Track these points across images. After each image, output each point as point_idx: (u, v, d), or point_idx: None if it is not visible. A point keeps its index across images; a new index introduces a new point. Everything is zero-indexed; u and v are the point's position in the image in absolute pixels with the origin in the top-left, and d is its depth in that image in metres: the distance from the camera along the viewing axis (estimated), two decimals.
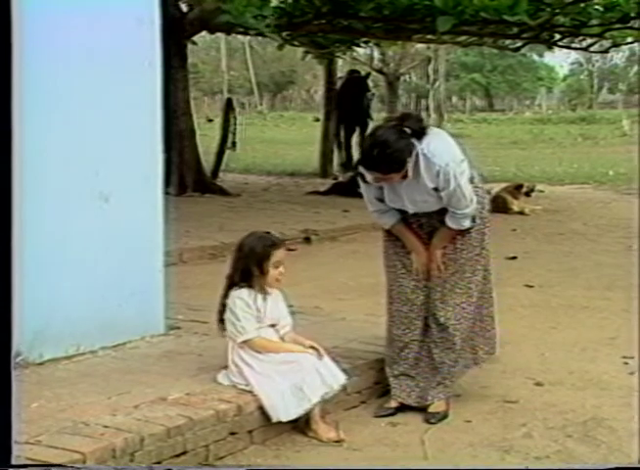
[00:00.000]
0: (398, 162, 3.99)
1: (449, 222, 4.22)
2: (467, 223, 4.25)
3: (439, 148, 4.08)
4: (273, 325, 4.00)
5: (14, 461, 3.00)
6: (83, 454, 3.18)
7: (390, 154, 3.95)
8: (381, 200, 4.27)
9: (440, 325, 4.27)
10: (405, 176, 4.06)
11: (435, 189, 4.10)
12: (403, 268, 4.34)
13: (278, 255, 3.97)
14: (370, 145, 4.01)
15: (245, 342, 3.91)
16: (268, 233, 4.13)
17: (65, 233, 4.30)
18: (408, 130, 4.02)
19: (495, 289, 7.04)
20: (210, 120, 15.92)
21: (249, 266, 3.93)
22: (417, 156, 4.04)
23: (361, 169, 4.13)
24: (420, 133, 4.05)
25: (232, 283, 3.98)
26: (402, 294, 4.32)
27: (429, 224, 4.31)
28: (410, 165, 4.03)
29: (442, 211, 4.22)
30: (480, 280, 4.39)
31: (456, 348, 4.30)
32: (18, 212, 3.12)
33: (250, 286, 3.93)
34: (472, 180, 4.24)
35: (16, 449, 3.02)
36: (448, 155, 4.10)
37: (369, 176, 4.12)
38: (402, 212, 4.30)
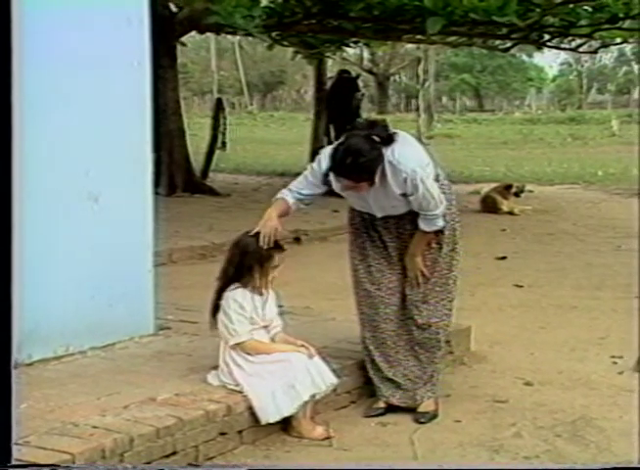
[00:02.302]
0: (370, 171, 4.00)
1: (423, 226, 4.21)
2: (440, 223, 4.22)
3: (405, 154, 4.07)
4: (265, 326, 4.00)
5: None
6: (72, 455, 3.17)
7: (363, 163, 3.96)
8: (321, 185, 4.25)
9: (420, 326, 4.27)
10: (372, 184, 4.06)
11: (404, 195, 4.10)
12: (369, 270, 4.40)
13: (279, 257, 3.98)
14: (343, 153, 3.99)
15: (236, 344, 3.91)
16: None
17: (54, 233, 4.29)
18: (377, 139, 4.03)
19: (485, 289, 7.10)
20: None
21: (250, 265, 3.91)
22: (383, 163, 4.04)
23: (330, 176, 4.13)
24: (387, 140, 4.05)
25: (227, 279, 3.96)
26: (374, 297, 4.33)
27: (397, 225, 4.30)
28: (377, 174, 4.04)
29: (412, 213, 4.21)
30: (457, 275, 4.38)
31: (441, 345, 4.31)
32: (17, 214, 3.11)
33: (244, 286, 3.93)
34: (437, 178, 4.24)
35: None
36: (414, 161, 4.09)
37: (337, 184, 4.12)
38: (370, 215, 4.31)
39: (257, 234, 4.01)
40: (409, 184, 4.05)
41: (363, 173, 4.00)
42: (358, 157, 3.95)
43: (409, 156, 4.09)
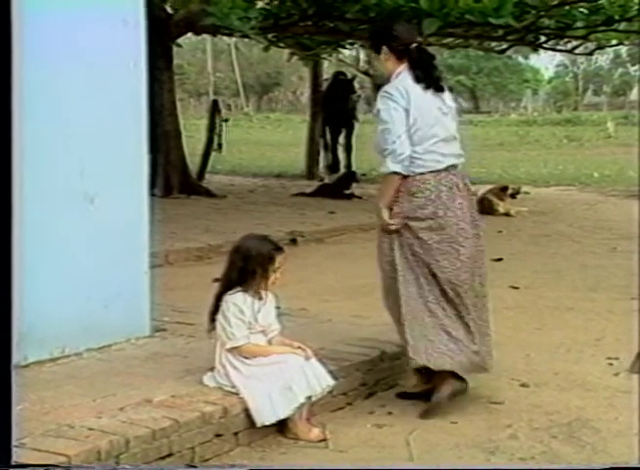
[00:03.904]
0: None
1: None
2: (389, 166, 4.24)
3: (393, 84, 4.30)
4: (262, 330, 4.00)
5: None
6: (68, 457, 3.17)
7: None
8: None
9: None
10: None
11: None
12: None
13: (280, 259, 3.98)
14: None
15: (233, 348, 3.91)
16: (267, 236, 4.13)
17: (49, 234, 4.28)
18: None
19: None
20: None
21: (253, 268, 3.91)
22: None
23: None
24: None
25: (229, 283, 3.96)
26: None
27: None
28: None
29: None
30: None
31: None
32: (17, 215, 3.11)
33: (244, 290, 3.92)
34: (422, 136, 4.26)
35: None
36: (392, 87, 4.28)
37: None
38: None
39: (258, 236, 4.04)
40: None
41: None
42: None
43: (393, 85, 4.31)
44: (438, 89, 4.38)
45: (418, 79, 4.30)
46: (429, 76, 4.34)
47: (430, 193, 4.27)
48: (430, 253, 4.28)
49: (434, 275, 4.29)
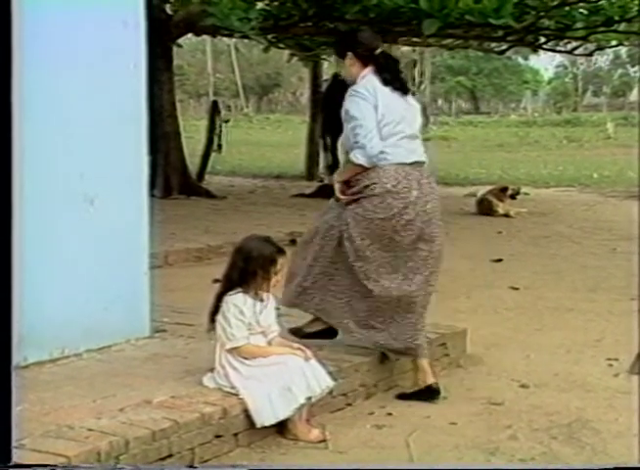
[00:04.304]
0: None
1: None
2: (359, 157, 4.38)
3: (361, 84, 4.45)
4: (262, 331, 4.00)
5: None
6: (68, 458, 3.16)
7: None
8: None
9: None
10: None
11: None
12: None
13: (282, 261, 3.98)
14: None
15: (233, 348, 3.91)
16: (269, 238, 4.13)
17: (49, 236, 4.28)
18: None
19: (481, 291, 7.11)
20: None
21: (254, 269, 3.90)
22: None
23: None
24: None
25: (229, 284, 3.96)
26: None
27: None
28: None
29: None
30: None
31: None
32: (17, 216, 3.11)
33: (245, 291, 3.92)
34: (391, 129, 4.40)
35: None
36: (360, 87, 4.42)
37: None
38: None
39: (260, 237, 4.04)
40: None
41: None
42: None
43: (362, 84, 4.45)
44: (404, 92, 4.57)
45: (386, 82, 4.47)
46: (395, 79, 4.52)
47: (385, 181, 4.41)
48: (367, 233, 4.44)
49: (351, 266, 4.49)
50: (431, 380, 4.49)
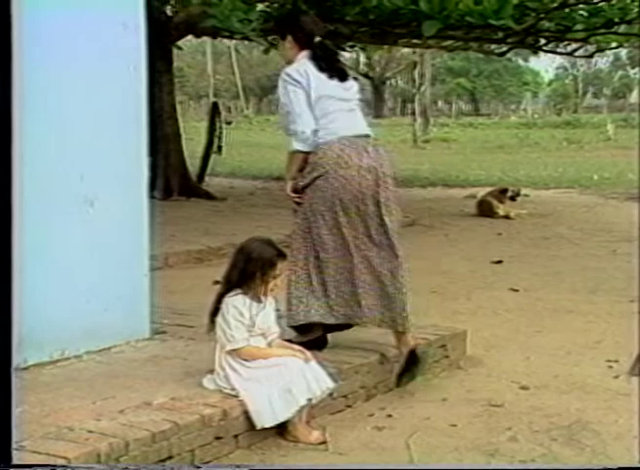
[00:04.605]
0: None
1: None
2: (294, 144, 4.49)
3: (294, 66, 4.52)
4: (262, 333, 4.00)
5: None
6: (68, 459, 3.16)
7: None
8: None
9: None
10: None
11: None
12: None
13: (281, 266, 3.97)
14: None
15: (233, 350, 3.90)
16: (272, 241, 4.13)
17: (49, 237, 4.28)
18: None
19: (481, 293, 7.11)
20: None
21: (253, 271, 3.90)
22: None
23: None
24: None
25: (229, 284, 3.96)
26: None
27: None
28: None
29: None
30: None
31: None
32: (17, 218, 3.11)
33: (245, 293, 3.92)
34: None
35: None
36: (292, 69, 4.49)
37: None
38: None
39: (262, 239, 4.03)
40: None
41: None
42: None
43: (294, 67, 4.53)
44: (342, 78, 4.63)
45: (321, 69, 4.54)
46: (331, 68, 4.59)
47: (332, 153, 4.48)
48: (327, 206, 4.51)
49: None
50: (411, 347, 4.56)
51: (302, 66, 4.53)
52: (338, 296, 4.56)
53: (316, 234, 4.53)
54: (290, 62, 4.61)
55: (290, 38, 4.64)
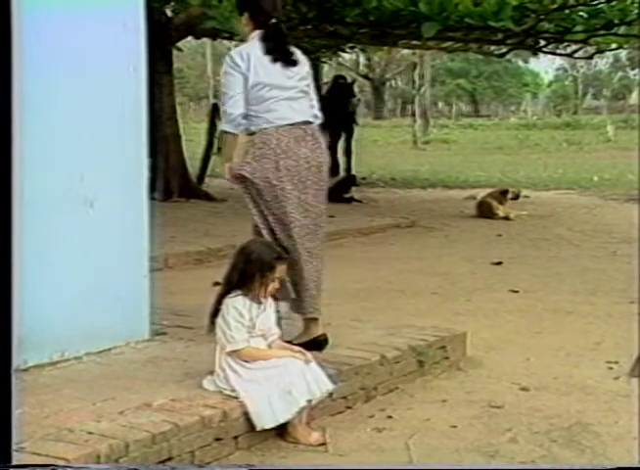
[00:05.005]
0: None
1: None
2: (225, 125, 4.63)
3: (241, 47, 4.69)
4: (262, 335, 3.99)
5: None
6: (67, 461, 3.16)
7: None
8: None
9: None
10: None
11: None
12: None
13: (280, 268, 3.97)
14: None
15: (233, 351, 3.90)
16: (273, 243, 4.12)
17: (49, 238, 4.28)
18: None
19: (481, 294, 7.11)
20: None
21: (252, 272, 3.90)
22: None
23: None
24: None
25: (229, 285, 3.96)
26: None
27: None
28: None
29: None
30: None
31: None
32: (17, 219, 3.11)
33: (245, 294, 3.91)
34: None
35: None
36: (236, 52, 4.64)
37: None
38: None
39: (263, 241, 4.04)
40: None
41: None
42: None
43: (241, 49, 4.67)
44: (287, 63, 4.69)
45: (268, 51, 4.62)
46: (278, 51, 4.66)
47: (270, 143, 4.58)
48: (263, 197, 4.61)
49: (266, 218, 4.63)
50: (319, 333, 4.66)
51: (248, 48, 4.65)
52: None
53: (264, 222, 4.63)
54: (244, 39, 4.79)
55: (246, 15, 4.75)
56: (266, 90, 4.57)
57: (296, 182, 4.59)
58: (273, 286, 3.95)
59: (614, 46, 14.51)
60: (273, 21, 4.70)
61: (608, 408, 4.40)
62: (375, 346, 4.76)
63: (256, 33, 4.69)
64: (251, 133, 4.62)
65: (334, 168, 17.20)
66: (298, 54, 4.80)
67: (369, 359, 4.56)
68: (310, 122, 4.70)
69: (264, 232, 4.60)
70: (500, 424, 4.17)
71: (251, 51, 4.60)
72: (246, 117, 4.58)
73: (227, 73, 4.60)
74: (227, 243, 8.27)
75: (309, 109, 4.74)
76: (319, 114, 4.80)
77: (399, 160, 23.90)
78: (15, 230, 3.06)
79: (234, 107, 4.56)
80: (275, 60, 4.63)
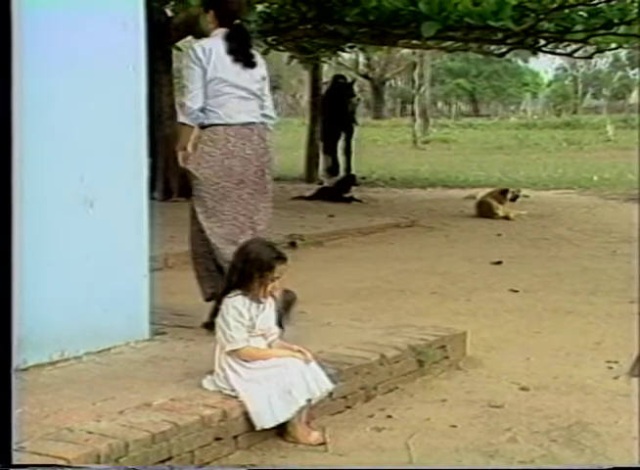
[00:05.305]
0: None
1: None
2: (180, 117, 4.86)
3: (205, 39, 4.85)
4: (262, 334, 3.99)
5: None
6: (67, 460, 3.16)
7: None
8: None
9: None
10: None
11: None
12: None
13: (281, 268, 3.95)
14: None
15: (233, 351, 3.90)
16: (274, 243, 4.12)
17: (49, 238, 4.28)
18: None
19: (481, 294, 7.11)
20: None
21: (250, 272, 3.90)
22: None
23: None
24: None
25: (229, 285, 3.96)
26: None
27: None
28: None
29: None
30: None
31: None
32: (17, 219, 3.11)
33: (244, 294, 3.91)
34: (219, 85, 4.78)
35: None
36: (198, 45, 4.79)
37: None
38: None
39: (263, 241, 4.04)
40: None
41: None
42: None
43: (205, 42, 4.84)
44: (248, 65, 4.88)
45: (229, 51, 4.79)
46: (239, 52, 4.83)
47: (218, 141, 4.83)
48: (210, 192, 4.90)
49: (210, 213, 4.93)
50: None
51: (211, 43, 4.80)
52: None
53: (203, 213, 4.92)
54: (207, 35, 4.93)
55: (212, 13, 4.89)
56: (221, 86, 4.77)
57: (236, 181, 4.84)
58: (272, 286, 3.95)
59: (613, 46, 14.51)
60: (237, 21, 4.86)
61: (607, 408, 4.40)
62: (375, 345, 4.76)
63: (220, 31, 4.85)
64: (203, 126, 4.83)
65: (334, 168, 17.26)
66: (258, 56, 5.00)
67: (369, 359, 4.56)
68: (257, 123, 4.91)
69: (202, 222, 4.90)
70: (500, 424, 4.17)
71: (213, 46, 4.78)
72: (202, 110, 4.79)
73: (189, 67, 4.77)
74: None
75: (258, 110, 4.94)
76: (273, 114, 5.05)
77: (399, 159, 23.91)
78: (15, 230, 3.06)
79: (193, 101, 4.77)
80: (236, 60, 4.81)
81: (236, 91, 4.82)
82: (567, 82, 65.48)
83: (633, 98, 55.41)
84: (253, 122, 4.91)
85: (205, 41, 4.88)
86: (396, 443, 3.93)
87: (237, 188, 4.86)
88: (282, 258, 3.98)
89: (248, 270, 3.91)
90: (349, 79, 19.29)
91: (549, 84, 67.09)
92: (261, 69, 5.00)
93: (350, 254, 9.01)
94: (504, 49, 15.03)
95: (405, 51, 34.21)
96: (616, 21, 11.91)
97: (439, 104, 62.49)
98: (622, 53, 47.64)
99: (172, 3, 13.24)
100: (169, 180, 13.02)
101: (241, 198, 4.88)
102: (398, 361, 4.64)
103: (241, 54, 4.85)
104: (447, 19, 10.67)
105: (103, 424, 3.50)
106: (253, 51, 4.98)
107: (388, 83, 55.26)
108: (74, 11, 4.34)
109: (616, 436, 4.01)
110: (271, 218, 5.04)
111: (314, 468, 3.69)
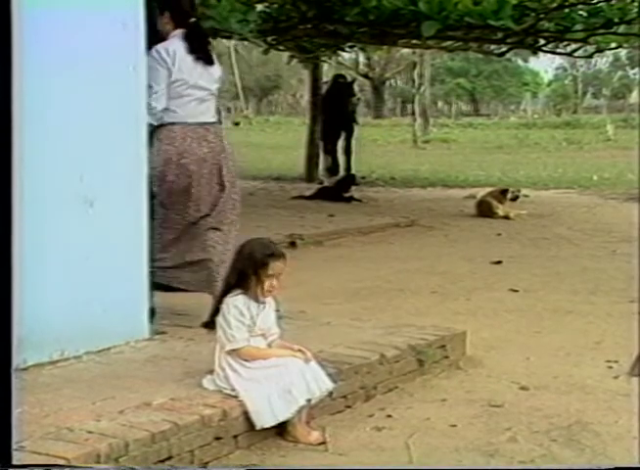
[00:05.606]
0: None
1: None
2: (149, 117, 4.85)
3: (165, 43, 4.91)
4: (262, 334, 3.99)
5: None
6: (67, 460, 3.16)
7: None
8: None
9: None
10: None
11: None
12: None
13: (275, 266, 3.91)
14: None
15: (233, 350, 3.90)
16: (271, 241, 4.11)
17: (49, 238, 4.28)
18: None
19: (481, 293, 7.11)
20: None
21: (245, 270, 3.90)
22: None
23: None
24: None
25: (229, 284, 3.96)
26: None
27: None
28: None
29: None
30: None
31: None
32: (17, 219, 3.11)
33: (245, 293, 3.91)
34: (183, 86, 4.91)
35: None
36: (161, 47, 4.88)
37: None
38: None
39: (259, 239, 4.04)
40: None
41: None
42: None
43: (166, 44, 4.92)
44: (207, 62, 5.00)
45: (190, 50, 4.90)
46: (199, 50, 4.95)
47: (174, 140, 4.94)
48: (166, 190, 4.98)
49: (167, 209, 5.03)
50: None
51: (173, 45, 4.89)
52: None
53: (162, 212, 4.99)
54: (164, 38, 4.97)
55: (167, 14, 5.01)
56: (183, 88, 4.88)
57: (190, 181, 4.93)
58: (270, 284, 3.93)
59: (613, 45, 14.48)
60: (192, 20, 4.98)
61: (607, 408, 4.40)
62: (374, 345, 4.76)
63: (177, 32, 4.95)
64: (161, 124, 4.92)
65: (334, 168, 17.25)
66: (214, 55, 5.13)
67: (369, 358, 4.56)
68: (214, 123, 5.04)
69: (158, 220, 4.94)
70: (500, 423, 4.17)
71: (176, 48, 4.88)
72: (164, 110, 4.90)
73: (153, 68, 4.80)
74: None
75: (214, 109, 5.10)
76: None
77: (399, 159, 23.90)
78: (15, 230, 3.06)
79: (157, 101, 4.87)
80: (197, 58, 4.92)
81: (197, 92, 4.96)
82: (567, 82, 65.50)
83: (633, 98, 55.42)
84: (211, 122, 5.05)
85: (167, 43, 4.95)
86: (396, 442, 3.93)
87: (190, 187, 4.95)
88: (275, 256, 3.94)
89: (243, 269, 3.91)
90: (349, 79, 19.28)
91: (549, 84, 67.11)
92: (219, 68, 5.16)
93: (350, 253, 9.01)
94: (504, 48, 15.02)
95: (405, 51, 34.24)
96: (616, 20, 11.90)
97: (439, 103, 62.52)
98: (622, 52, 47.65)
99: None
100: None
101: (194, 195, 4.96)
102: (398, 361, 4.65)
103: (201, 52, 4.97)
104: (447, 18, 10.65)
105: (103, 424, 3.50)
106: (210, 49, 5.12)
107: (388, 83, 55.30)
108: (74, 11, 4.34)
109: (616, 435, 4.02)
110: (238, 215, 5.11)
111: (314, 468, 3.69)
